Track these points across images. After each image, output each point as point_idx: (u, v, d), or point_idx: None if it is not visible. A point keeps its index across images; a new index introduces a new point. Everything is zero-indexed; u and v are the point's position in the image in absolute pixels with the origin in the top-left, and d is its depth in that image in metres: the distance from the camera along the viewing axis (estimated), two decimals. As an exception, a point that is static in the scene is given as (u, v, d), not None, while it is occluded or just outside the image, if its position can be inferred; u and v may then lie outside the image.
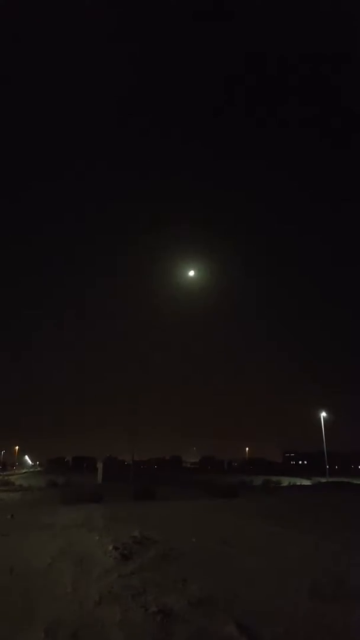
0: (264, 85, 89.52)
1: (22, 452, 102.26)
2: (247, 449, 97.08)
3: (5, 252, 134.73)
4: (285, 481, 40.49)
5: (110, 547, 6.23)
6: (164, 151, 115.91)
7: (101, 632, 3.41)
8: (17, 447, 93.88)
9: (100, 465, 40.61)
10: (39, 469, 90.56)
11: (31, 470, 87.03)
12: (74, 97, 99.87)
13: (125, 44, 65.78)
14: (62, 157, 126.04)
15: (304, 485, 35.39)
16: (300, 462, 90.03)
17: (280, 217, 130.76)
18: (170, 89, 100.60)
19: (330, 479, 42.38)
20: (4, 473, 62.87)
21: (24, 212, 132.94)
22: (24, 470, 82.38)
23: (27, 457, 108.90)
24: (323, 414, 44.48)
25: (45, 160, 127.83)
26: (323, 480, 42.43)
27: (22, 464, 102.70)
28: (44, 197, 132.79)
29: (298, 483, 39.27)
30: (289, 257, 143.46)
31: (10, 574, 5.08)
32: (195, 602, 3.98)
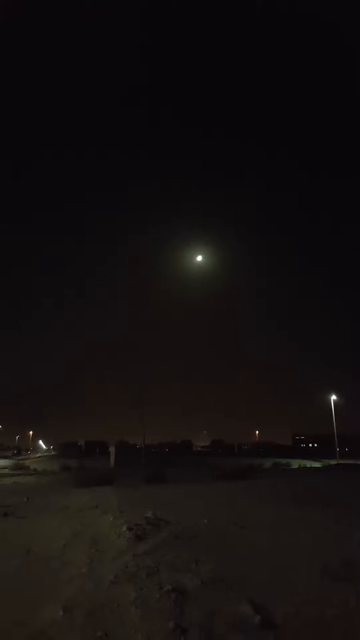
0: (264, 78, 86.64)
1: (37, 437, 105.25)
2: (256, 432, 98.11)
3: (6, 251, 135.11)
4: (295, 463, 40.99)
5: (124, 528, 6.36)
6: (165, 142, 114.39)
7: (117, 610, 3.49)
8: (31, 432, 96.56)
9: (112, 449, 41.41)
10: (52, 453, 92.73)
11: (45, 454, 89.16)
12: (78, 92, 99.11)
13: (130, 37, 64.32)
14: (63, 153, 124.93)
15: (313, 468, 35.69)
16: (310, 445, 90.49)
17: (281, 211, 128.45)
18: (171, 84, 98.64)
19: (341, 462, 42.61)
20: (19, 457, 64.66)
21: (22, 211, 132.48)
22: (38, 455, 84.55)
23: (41, 442, 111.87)
24: (333, 397, 44.60)
25: (46, 158, 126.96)
26: (333, 462, 42.70)
27: (37, 448, 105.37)
28: (42, 194, 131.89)
29: (308, 465, 39.67)
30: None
31: (27, 555, 5.23)
32: (208, 582, 4.05)
